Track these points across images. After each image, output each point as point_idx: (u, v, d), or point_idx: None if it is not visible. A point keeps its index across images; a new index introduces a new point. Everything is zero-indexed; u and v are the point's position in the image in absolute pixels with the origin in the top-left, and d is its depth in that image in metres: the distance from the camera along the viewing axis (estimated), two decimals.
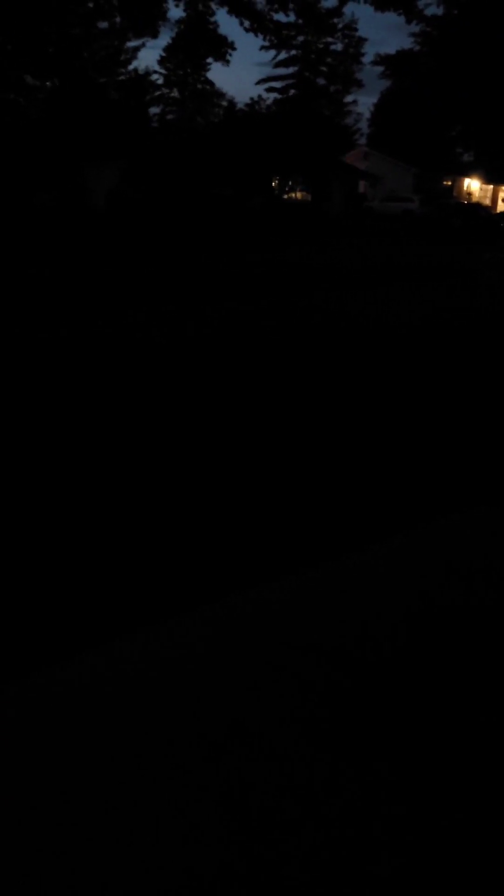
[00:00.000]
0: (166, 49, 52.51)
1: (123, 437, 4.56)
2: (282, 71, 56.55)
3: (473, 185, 54.88)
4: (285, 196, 44.64)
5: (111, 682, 2.25)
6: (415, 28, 43.50)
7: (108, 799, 1.82)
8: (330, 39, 54.30)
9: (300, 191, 46.87)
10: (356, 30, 61.44)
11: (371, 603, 2.73)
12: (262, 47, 54.83)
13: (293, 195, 46.99)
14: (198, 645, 2.45)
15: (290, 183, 43.90)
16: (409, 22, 42.14)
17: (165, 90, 55.17)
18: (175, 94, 55.78)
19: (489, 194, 54.92)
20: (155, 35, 39.50)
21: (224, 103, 56.78)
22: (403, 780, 1.91)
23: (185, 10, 40.35)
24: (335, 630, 2.54)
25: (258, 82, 60.38)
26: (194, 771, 1.91)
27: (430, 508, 3.64)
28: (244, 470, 4.09)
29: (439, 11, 45.10)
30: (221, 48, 42.63)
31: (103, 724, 2.07)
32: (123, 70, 49.18)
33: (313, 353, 7.22)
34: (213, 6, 41.29)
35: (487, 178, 53.04)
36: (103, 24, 42.07)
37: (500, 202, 52.56)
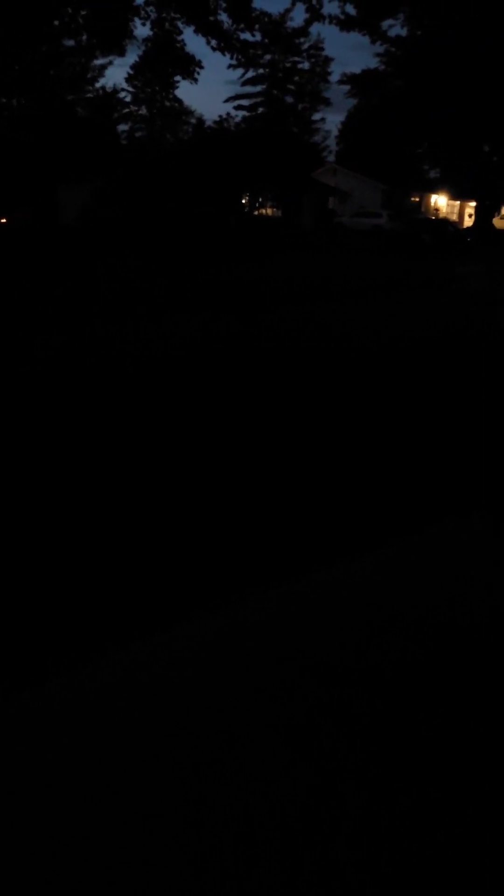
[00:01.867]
0: (134, 67, 52.63)
1: (85, 452, 4.33)
2: (250, 89, 57.10)
3: (440, 201, 55.82)
4: (256, 212, 44.84)
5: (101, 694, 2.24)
6: (379, 49, 43.96)
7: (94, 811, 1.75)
8: (297, 59, 54.96)
9: (270, 207, 47.14)
10: (322, 49, 62.18)
11: (359, 613, 2.70)
12: (230, 66, 55.38)
13: (264, 211, 47.23)
14: (187, 658, 2.44)
15: (261, 199, 44.13)
16: (373, 42, 42.66)
17: (134, 107, 55.25)
18: (143, 111, 55.90)
19: (456, 210, 55.92)
20: (122, 53, 39.38)
21: (193, 121, 57.05)
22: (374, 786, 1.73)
23: (151, 29, 40.32)
24: (327, 641, 2.51)
25: (227, 100, 61.13)
26: (185, 780, 1.89)
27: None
28: (204, 481, 3.90)
29: (403, 32, 45.92)
30: (189, 67, 42.69)
31: (92, 737, 2.06)
32: (91, 88, 49.15)
33: (286, 365, 7.07)
34: (180, 25, 41.34)
35: (454, 194, 53.97)
36: (70, 42, 41.99)
37: (466, 217, 53.49)
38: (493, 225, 46.39)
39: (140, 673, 2.34)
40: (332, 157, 58.71)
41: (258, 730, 2.07)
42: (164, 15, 41.72)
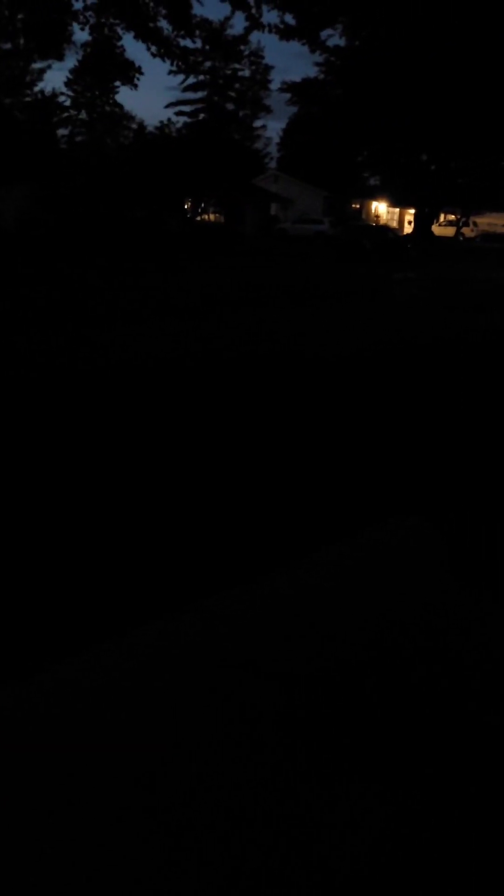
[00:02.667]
0: (73, 71, 52.10)
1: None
2: (191, 95, 57.23)
3: (381, 208, 56.93)
4: (198, 218, 44.84)
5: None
6: (319, 58, 44.50)
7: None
8: (237, 66, 55.36)
9: (213, 213, 47.21)
10: (263, 57, 62.90)
11: (304, 617, 2.66)
12: (171, 72, 55.30)
13: (206, 217, 47.27)
14: (133, 664, 2.37)
15: (203, 205, 44.17)
16: (312, 52, 43.28)
17: (73, 112, 54.68)
18: (83, 115, 55.38)
19: (396, 216, 57.10)
20: (60, 57, 38.98)
21: (134, 126, 56.81)
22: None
23: (90, 34, 39.88)
24: (272, 647, 2.47)
25: (168, 105, 60.93)
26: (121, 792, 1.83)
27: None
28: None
29: (342, 42, 46.79)
30: (129, 72, 42.45)
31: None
32: (29, 91, 48.44)
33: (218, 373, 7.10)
34: (120, 31, 41.04)
35: (393, 201, 55.11)
36: (6, 45, 41.34)
37: (406, 224, 54.65)
38: (431, 232, 47.54)
39: (72, 688, 2.26)
40: (273, 164, 59.29)
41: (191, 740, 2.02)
42: (102, 20, 41.34)
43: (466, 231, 50.93)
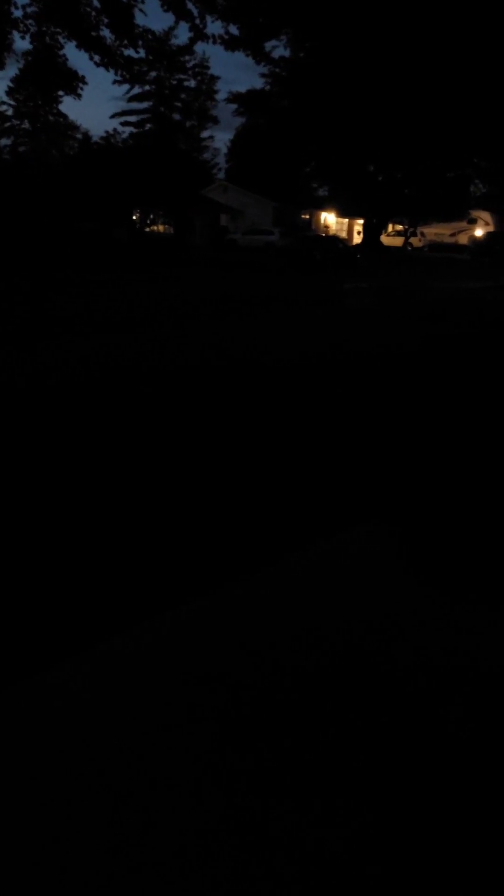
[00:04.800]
0: (14, 80, 51.04)
1: None
2: (136, 105, 56.66)
3: (330, 219, 57.22)
4: (147, 229, 44.23)
5: None
6: (265, 69, 44.46)
7: None
8: (183, 76, 55.05)
9: (162, 223, 46.69)
10: (208, 68, 62.71)
11: (262, 626, 2.66)
12: (115, 81, 54.37)
13: (155, 228, 46.70)
14: (88, 679, 2.32)
15: (152, 216, 43.62)
16: (257, 63, 43.23)
17: (16, 121, 53.54)
18: (26, 125, 54.29)
19: (345, 227, 57.49)
20: (1, 66, 38.06)
21: (79, 136, 55.94)
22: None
23: (31, 43, 39.04)
24: (231, 658, 2.45)
25: (113, 115, 60.06)
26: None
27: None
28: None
29: (287, 53, 46.92)
30: (72, 81, 41.68)
31: None
32: None
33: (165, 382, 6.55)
34: (62, 40, 40.29)
35: (342, 212, 55.46)
36: None
37: (355, 234, 55.05)
38: (380, 242, 47.95)
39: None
40: (222, 175, 59.12)
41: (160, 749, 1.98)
42: (44, 28, 40.55)
43: (414, 241, 51.55)
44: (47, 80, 45.81)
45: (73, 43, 40.12)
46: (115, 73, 41.83)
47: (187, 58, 53.52)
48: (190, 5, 36.01)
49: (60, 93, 48.68)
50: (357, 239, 52.11)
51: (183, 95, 56.19)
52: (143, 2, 37.17)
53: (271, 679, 2.33)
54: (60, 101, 52.09)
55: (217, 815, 1.76)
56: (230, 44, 41.34)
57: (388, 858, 1.67)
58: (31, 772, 1.86)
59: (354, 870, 1.64)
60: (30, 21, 39.10)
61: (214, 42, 40.05)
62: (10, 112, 53.13)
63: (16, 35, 45.99)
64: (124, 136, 55.64)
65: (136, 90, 54.86)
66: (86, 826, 1.72)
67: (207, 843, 1.68)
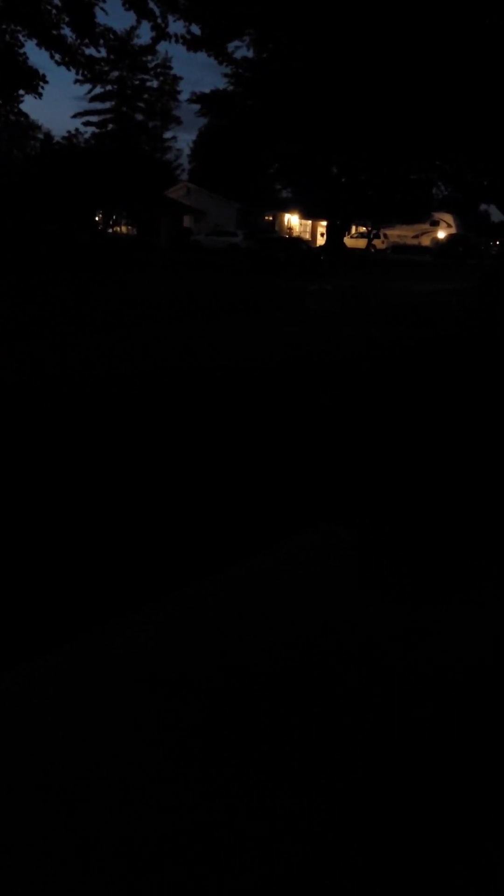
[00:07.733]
0: None
1: None
2: (98, 105, 56.09)
3: (293, 220, 57.41)
4: (110, 230, 43.87)
5: None
6: (228, 69, 44.31)
7: None
8: (145, 76, 54.65)
9: (125, 225, 46.33)
10: (171, 68, 62.48)
11: (228, 629, 2.68)
12: (77, 81, 53.73)
13: (118, 230, 46.33)
14: (55, 682, 2.33)
15: (115, 217, 43.26)
16: (220, 63, 43.08)
17: None
18: None
19: (308, 229, 57.72)
20: None
21: (41, 136, 55.25)
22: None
23: None
24: (189, 658, 2.47)
25: (75, 115, 59.26)
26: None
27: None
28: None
29: (250, 54, 46.85)
30: (32, 80, 41.02)
31: None
32: None
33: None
34: (22, 38, 39.71)
35: (306, 214, 55.70)
36: None
37: (319, 236, 55.34)
38: (344, 244, 48.26)
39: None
40: (185, 176, 58.90)
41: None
42: (3, 26, 39.94)
43: (378, 243, 51.99)
44: (7, 78, 45.15)
45: (34, 41, 39.57)
46: (77, 73, 41.37)
47: (150, 57, 53.16)
48: (152, 4, 35.78)
49: (21, 92, 48.02)
50: (321, 240, 52.35)
51: (145, 95, 55.82)
52: (104, 0, 36.67)
53: (226, 680, 2.35)
54: (21, 101, 51.37)
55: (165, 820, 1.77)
56: (192, 44, 41.13)
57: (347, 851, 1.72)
58: None
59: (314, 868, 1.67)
60: None
61: (176, 41, 39.83)
62: None
63: None
64: (86, 136, 55.10)
65: (98, 90, 54.34)
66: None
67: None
